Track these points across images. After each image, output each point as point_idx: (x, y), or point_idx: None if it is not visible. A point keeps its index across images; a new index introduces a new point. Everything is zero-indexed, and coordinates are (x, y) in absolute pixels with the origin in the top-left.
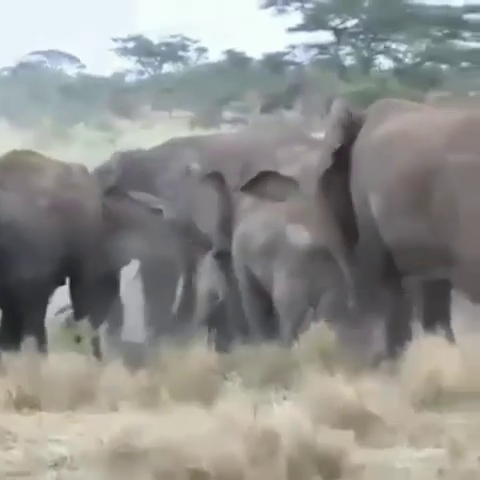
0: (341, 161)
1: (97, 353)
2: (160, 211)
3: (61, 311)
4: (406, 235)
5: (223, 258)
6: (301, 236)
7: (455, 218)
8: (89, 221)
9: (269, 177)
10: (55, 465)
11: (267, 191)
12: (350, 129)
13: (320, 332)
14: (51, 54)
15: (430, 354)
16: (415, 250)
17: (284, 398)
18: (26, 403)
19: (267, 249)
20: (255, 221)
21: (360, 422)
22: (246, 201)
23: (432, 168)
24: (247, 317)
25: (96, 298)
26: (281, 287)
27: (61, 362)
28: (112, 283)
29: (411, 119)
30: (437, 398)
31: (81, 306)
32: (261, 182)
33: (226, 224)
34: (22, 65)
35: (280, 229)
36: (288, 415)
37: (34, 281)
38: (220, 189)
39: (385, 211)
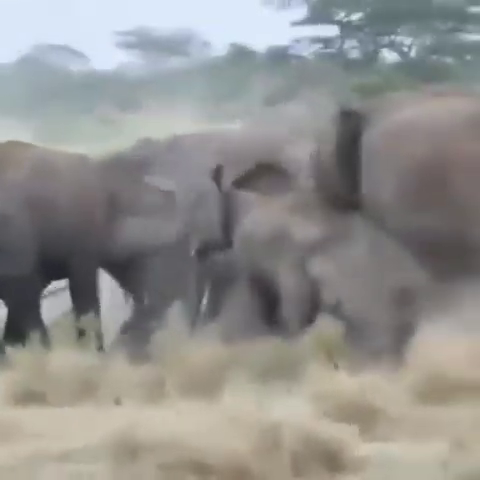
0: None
1: (101, 347)
2: (173, 193)
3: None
4: None
5: (206, 253)
6: (305, 231)
7: None
8: (65, 215)
9: (264, 171)
10: (59, 459)
11: (262, 185)
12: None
13: (324, 326)
14: (54, 48)
15: (434, 346)
16: None
17: (288, 391)
18: (31, 397)
19: (271, 244)
20: (259, 216)
21: (363, 415)
22: (248, 196)
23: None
24: (247, 310)
25: (94, 292)
26: (287, 282)
27: (65, 357)
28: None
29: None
30: (440, 391)
31: (80, 301)
32: (256, 176)
33: (223, 219)
34: (25, 59)
35: (283, 224)
36: (292, 408)
37: (11, 278)
38: (218, 183)
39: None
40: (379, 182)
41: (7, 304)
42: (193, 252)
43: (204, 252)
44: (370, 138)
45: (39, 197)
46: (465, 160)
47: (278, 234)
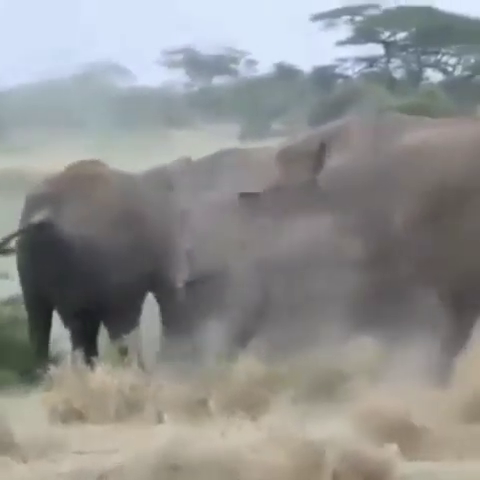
0: None
1: (142, 364)
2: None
3: None
4: None
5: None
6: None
7: None
8: (151, 231)
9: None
10: (101, 476)
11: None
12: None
13: (366, 345)
14: (102, 66)
15: (477, 365)
16: None
17: (331, 411)
18: (74, 415)
19: (317, 263)
20: (297, 238)
21: (407, 434)
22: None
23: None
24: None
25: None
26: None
27: (108, 375)
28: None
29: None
30: None
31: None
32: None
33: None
34: (74, 76)
35: (332, 242)
36: (334, 428)
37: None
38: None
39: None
40: (389, 198)
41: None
42: (180, 284)
43: (194, 284)
44: (381, 154)
45: (131, 213)
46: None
47: (326, 252)
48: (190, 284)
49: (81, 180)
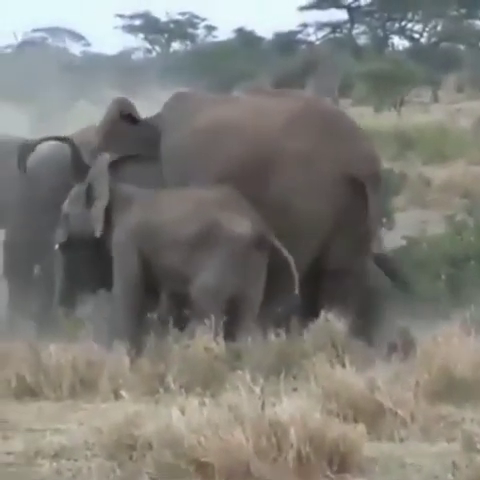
0: None
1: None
2: None
3: None
4: None
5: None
6: (239, 225)
7: None
8: None
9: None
10: (56, 455)
11: None
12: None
13: (330, 322)
14: (55, 31)
15: (445, 345)
16: None
17: (294, 389)
18: (28, 392)
19: (197, 239)
20: (175, 210)
21: (371, 415)
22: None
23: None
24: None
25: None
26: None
27: (63, 350)
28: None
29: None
30: (451, 390)
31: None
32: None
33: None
34: (25, 42)
35: (213, 218)
36: (297, 407)
37: None
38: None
39: None
40: (191, 178)
41: None
42: (57, 246)
43: (70, 246)
44: (178, 135)
45: None
46: (284, 158)
47: (206, 229)
48: None
49: None
